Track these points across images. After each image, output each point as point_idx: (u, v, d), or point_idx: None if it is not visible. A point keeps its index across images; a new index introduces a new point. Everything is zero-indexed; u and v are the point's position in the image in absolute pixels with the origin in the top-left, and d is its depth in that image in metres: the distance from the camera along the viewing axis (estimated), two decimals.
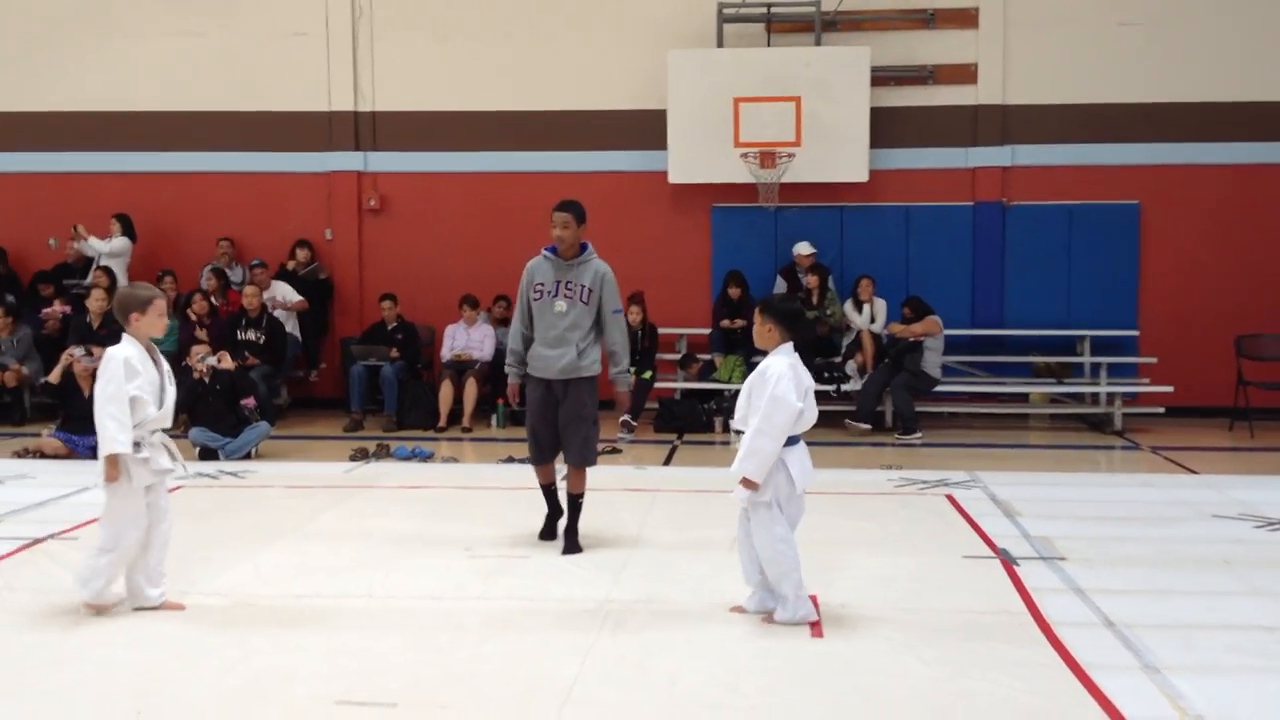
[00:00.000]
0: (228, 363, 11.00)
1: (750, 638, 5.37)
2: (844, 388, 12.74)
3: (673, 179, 13.70)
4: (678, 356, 13.71)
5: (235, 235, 14.36)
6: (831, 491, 8.84)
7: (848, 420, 12.35)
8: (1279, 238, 13.63)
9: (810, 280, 13.23)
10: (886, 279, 13.34)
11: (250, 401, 11.05)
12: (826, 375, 12.78)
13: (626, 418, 12.36)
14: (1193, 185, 13.61)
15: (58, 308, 13.50)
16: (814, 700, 4.64)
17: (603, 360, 7.10)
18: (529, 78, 14.24)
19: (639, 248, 13.89)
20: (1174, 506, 8.42)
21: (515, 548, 7.08)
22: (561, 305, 6.94)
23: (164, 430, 5.82)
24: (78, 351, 10.85)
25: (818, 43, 13.68)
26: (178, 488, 9.05)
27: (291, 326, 13.62)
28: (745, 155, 13.23)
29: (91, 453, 10.43)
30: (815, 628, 5.52)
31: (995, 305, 13.82)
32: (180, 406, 11.58)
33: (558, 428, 7.04)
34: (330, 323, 14.52)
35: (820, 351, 12.95)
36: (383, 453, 10.90)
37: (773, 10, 13.73)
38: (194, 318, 12.86)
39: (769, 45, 13.85)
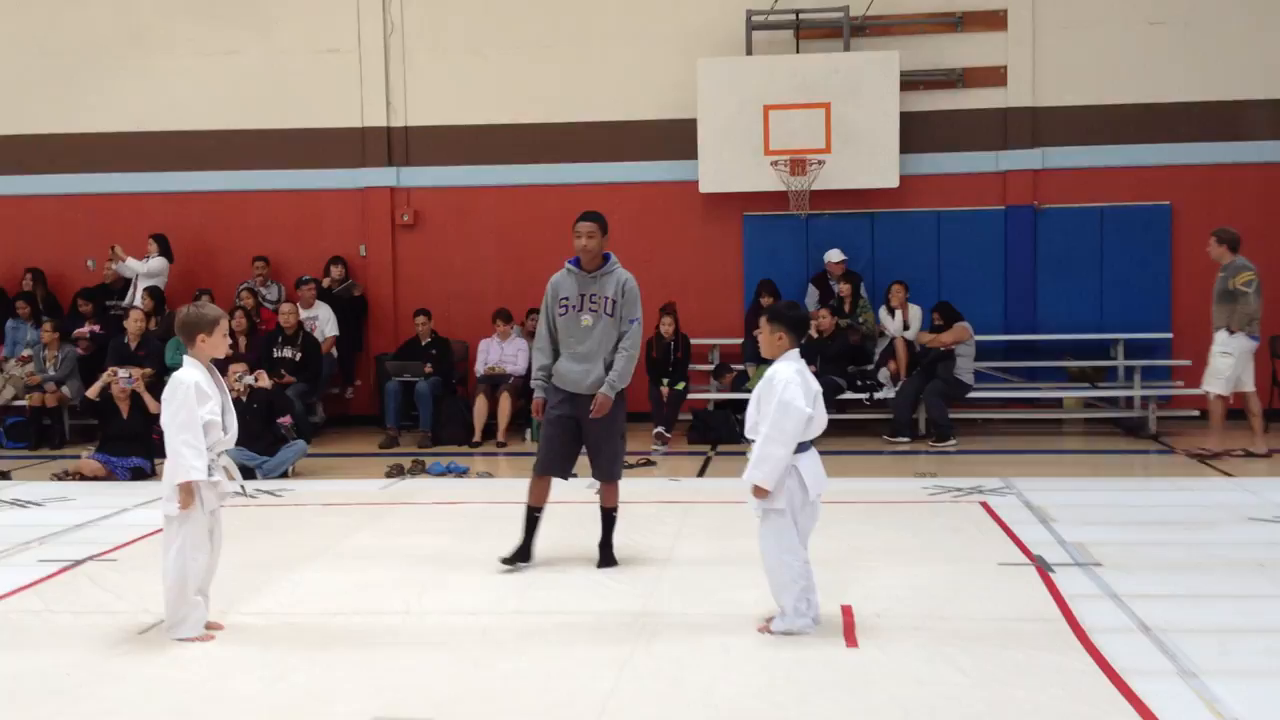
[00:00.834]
0: (265, 381, 11.08)
1: (784, 648, 5.38)
2: (877, 395, 12.70)
3: (704, 188, 13.71)
4: (711, 367, 13.72)
5: (270, 253, 14.48)
6: (865, 500, 8.84)
7: (885, 436, 12.32)
8: None
9: (842, 288, 13.22)
10: (918, 285, 13.29)
11: (287, 420, 11.14)
12: (859, 383, 12.75)
13: (660, 429, 12.40)
14: (1225, 185, 13.49)
15: (87, 328, 13.66)
16: (850, 710, 4.65)
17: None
18: (559, 90, 14.30)
19: (671, 258, 13.93)
20: (1210, 510, 8.36)
21: (551, 562, 7.10)
22: (588, 319, 6.92)
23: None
24: (122, 373, 10.94)
25: (846, 48, 13.67)
26: (214, 509, 9.15)
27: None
28: (775, 163, 13.23)
29: (130, 474, 10.61)
30: (850, 636, 5.52)
31: (1028, 310, 13.74)
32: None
33: (574, 442, 7.00)
34: (365, 339, 14.61)
35: (853, 359, 12.92)
36: (418, 469, 10.95)
37: (801, 16, 13.72)
38: (233, 337, 12.98)
39: (798, 52, 13.85)
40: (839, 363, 12.72)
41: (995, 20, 13.78)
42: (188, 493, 5.55)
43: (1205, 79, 13.52)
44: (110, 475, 10.61)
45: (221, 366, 12.06)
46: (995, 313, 13.65)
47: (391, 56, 14.56)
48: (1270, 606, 5.94)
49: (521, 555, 7.00)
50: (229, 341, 5.90)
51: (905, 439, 12.18)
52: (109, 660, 5.42)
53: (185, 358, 5.74)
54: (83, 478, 10.57)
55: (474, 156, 14.46)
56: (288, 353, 12.77)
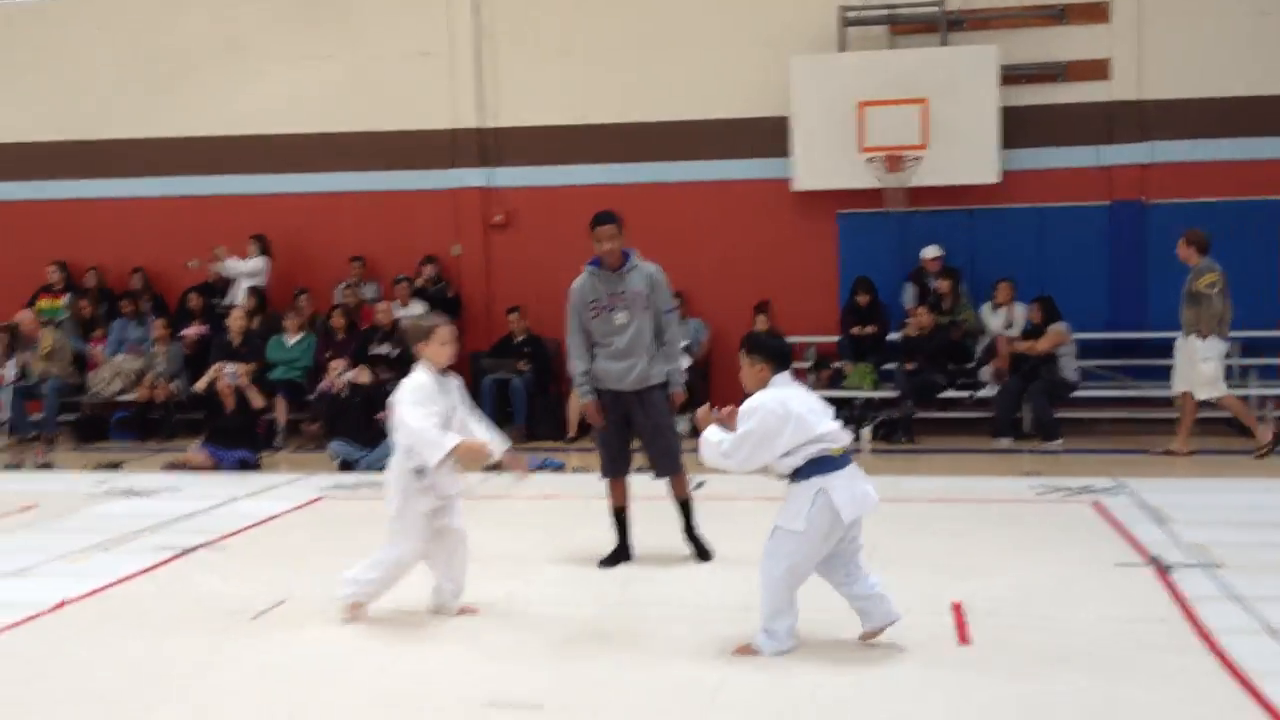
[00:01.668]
0: (365, 377, 11.21)
1: (894, 645, 5.27)
2: (978, 394, 12.49)
3: (797, 186, 13.59)
4: (807, 365, 13.61)
5: (365, 253, 14.63)
6: (972, 499, 8.73)
7: (989, 436, 12.11)
8: None
9: (941, 284, 13.02)
10: (1020, 281, 13.03)
11: (385, 415, 11.22)
12: (960, 382, 12.55)
13: None
14: None
15: (194, 329, 13.92)
16: (965, 709, 4.55)
17: None
18: (650, 89, 14.26)
19: (764, 256, 13.83)
20: None
21: (647, 556, 7.05)
22: (621, 317, 6.91)
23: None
24: (229, 369, 11.13)
25: (943, 43, 13.45)
26: (318, 499, 9.28)
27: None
28: (871, 160, 13.07)
29: (237, 465, 10.79)
30: (961, 634, 5.41)
31: (1137, 307, 13.40)
32: (319, 419, 11.97)
33: (629, 439, 7.00)
34: (459, 337, 14.67)
35: (953, 358, 12.72)
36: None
37: (896, 12, 13.55)
38: (332, 332, 13.18)
39: (892, 47, 13.67)
40: (938, 360, 12.53)
41: (1098, 12, 13.48)
42: (470, 453, 5.69)
43: None
44: (217, 466, 10.81)
45: (322, 363, 12.33)
46: (1099, 310, 13.34)
47: (483, 58, 14.63)
48: None
49: (620, 555, 7.01)
50: (450, 349, 5.90)
51: (1008, 439, 11.95)
52: (221, 645, 5.50)
53: (419, 363, 5.87)
54: (191, 469, 10.78)
55: (564, 156, 14.48)
56: (384, 349, 12.89)
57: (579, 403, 7.20)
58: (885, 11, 13.53)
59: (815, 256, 13.99)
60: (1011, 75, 13.30)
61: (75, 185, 15.25)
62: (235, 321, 13.00)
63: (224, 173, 14.98)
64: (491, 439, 5.94)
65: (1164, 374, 13.09)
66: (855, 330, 13.07)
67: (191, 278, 14.71)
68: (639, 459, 7.14)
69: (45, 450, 12.24)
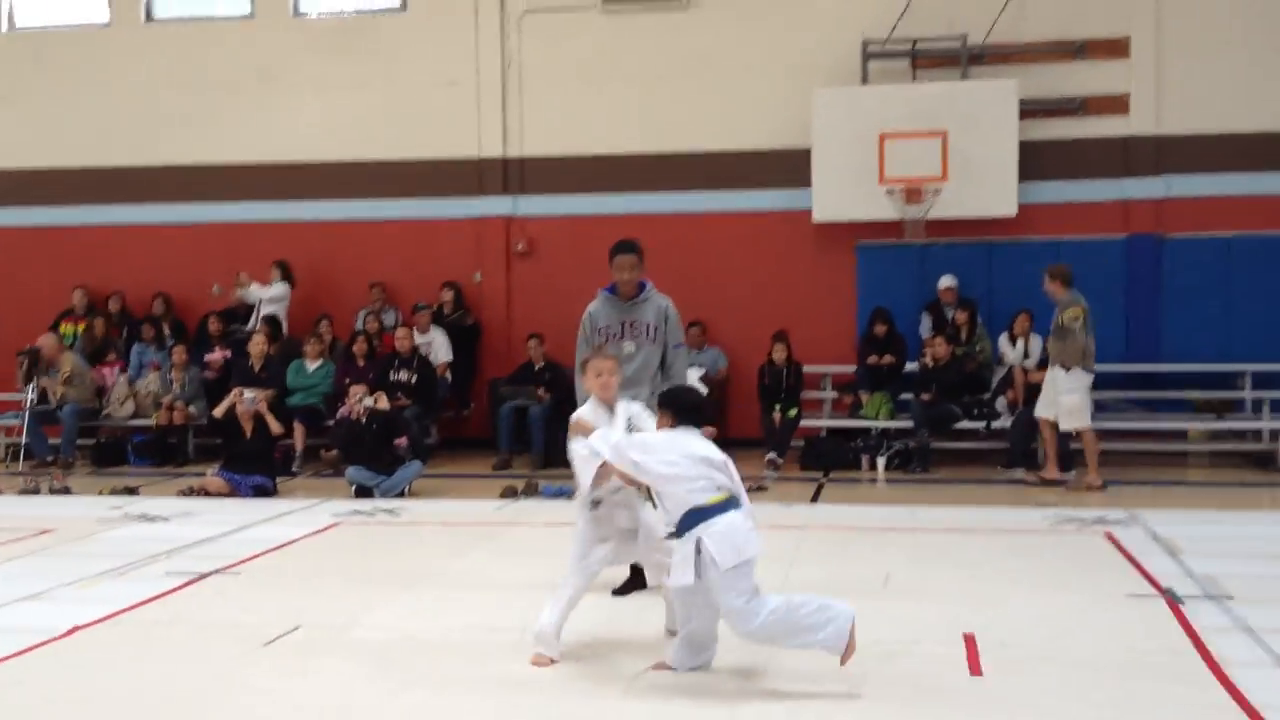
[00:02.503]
0: (384, 403, 11.28)
1: (907, 676, 5.27)
2: (993, 424, 12.50)
3: (818, 218, 13.65)
4: (824, 395, 13.64)
5: (387, 279, 14.74)
6: (986, 529, 8.72)
7: (1000, 466, 12.12)
8: None
9: (959, 316, 13.06)
10: (1037, 314, 13.02)
11: (403, 441, 11.31)
12: (975, 412, 12.56)
13: (773, 455, 12.36)
14: None
15: (219, 354, 14.04)
16: None
17: None
18: (672, 120, 14.37)
19: (783, 286, 13.90)
20: None
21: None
22: (630, 346, 6.97)
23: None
24: (248, 394, 11.21)
25: (964, 77, 13.54)
26: (332, 525, 9.33)
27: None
28: (890, 191, 13.12)
29: (253, 492, 10.85)
30: (974, 665, 5.41)
31: (1151, 340, 13.42)
32: (337, 445, 12.04)
33: None
34: (479, 364, 14.77)
35: (969, 388, 12.74)
36: (531, 491, 11.03)
37: (918, 46, 13.63)
38: (353, 358, 13.28)
39: (914, 80, 13.74)
40: (954, 391, 12.55)
41: (1118, 47, 13.54)
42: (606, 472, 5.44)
43: None
44: (234, 492, 10.85)
45: (342, 390, 12.40)
46: (1115, 343, 13.32)
47: (509, 88, 14.77)
48: None
49: (635, 584, 6.99)
50: (602, 380, 5.83)
51: (1021, 469, 11.94)
52: (235, 671, 5.52)
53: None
54: (207, 494, 10.83)
55: (587, 186, 14.58)
56: (403, 376, 12.98)
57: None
58: (907, 45, 13.61)
59: (834, 287, 14.05)
60: (1030, 109, 13.37)
61: (102, 211, 15.45)
62: (255, 347, 13.11)
63: (250, 199, 15.14)
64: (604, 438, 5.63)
65: (1178, 407, 13.10)
66: (872, 360, 13.10)
67: (212, 303, 14.85)
68: None
69: (63, 475, 12.34)
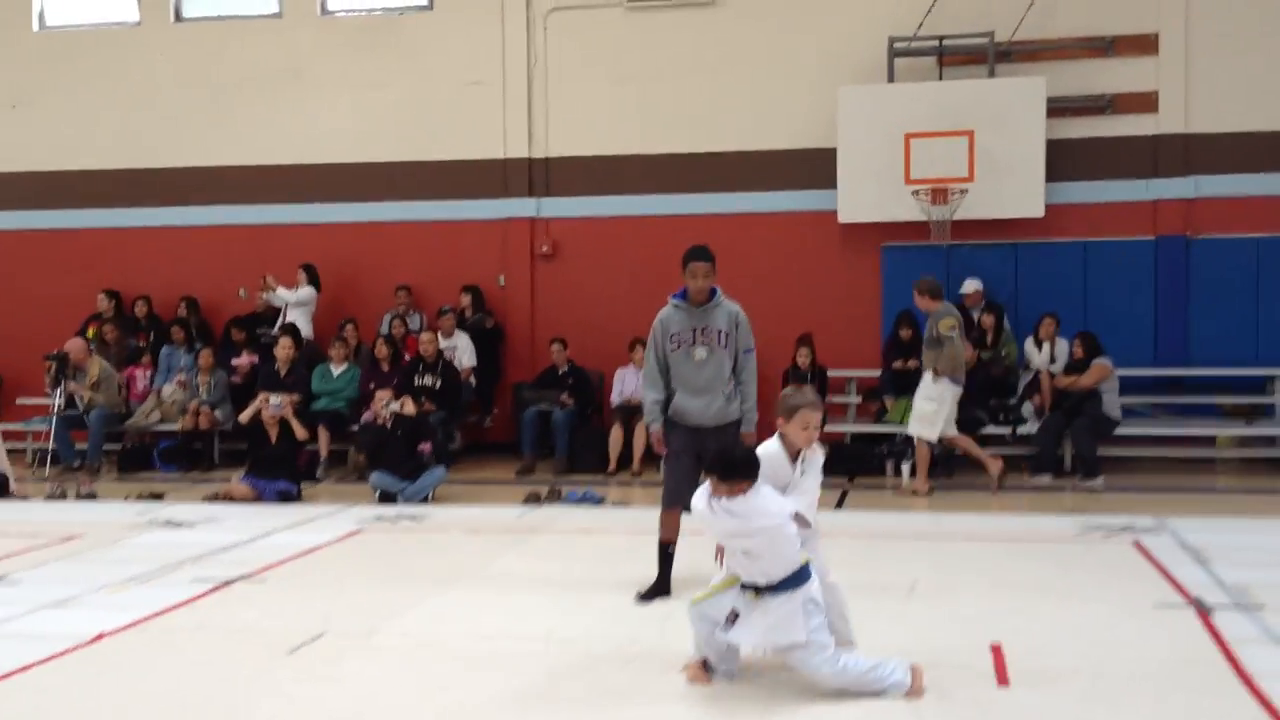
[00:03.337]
0: (410, 408, 11.28)
1: (934, 685, 5.21)
2: (1020, 430, 12.40)
3: (843, 219, 13.57)
4: (849, 400, 13.56)
5: (413, 282, 14.74)
6: (1012, 538, 8.64)
7: (1027, 473, 12.02)
8: None
9: (985, 320, 12.95)
10: (1064, 317, 12.93)
11: (426, 446, 11.30)
12: (1001, 417, 12.46)
13: None
14: None
15: (246, 359, 14.08)
16: None
17: None
18: (698, 121, 14.32)
19: (808, 288, 13.83)
20: None
21: (690, 592, 7.02)
22: (701, 353, 6.94)
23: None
24: (274, 399, 11.23)
25: (991, 74, 13.42)
26: (357, 531, 9.33)
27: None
28: (916, 192, 13.03)
29: (278, 497, 10.87)
30: (1001, 675, 5.36)
31: (1179, 343, 13.28)
32: (363, 450, 12.05)
33: (697, 474, 6.93)
34: (502, 368, 14.76)
35: (994, 392, 12.64)
36: (554, 496, 11.01)
37: (945, 43, 13.53)
38: (378, 362, 13.29)
39: (941, 79, 13.64)
40: (980, 396, 12.44)
41: (1147, 44, 13.41)
42: None
43: None
44: (258, 498, 10.88)
45: (366, 394, 12.42)
46: (1144, 346, 13.23)
47: (534, 89, 14.75)
48: None
49: (659, 589, 6.98)
50: (808, 434, 5.69)
51: (1048, 475, 11.84)
52: (261, 677, 5.53)
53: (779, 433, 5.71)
54: (232, 500, 10.86)
55: (613, 187, 14.54)
56: (428, 380, 12.97)
57: (648, 429, 7.19)
58: (934, 43, 13.52)
59: (859, 289, 13.97)
60: (1058, 107, 13.24)
61: (130, 214, 15.48)
62: (282, 351, 13.13)
63: (277, 201, 15.16)
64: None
65: (1207, 411, 12.95)
66: (897, 365, 13.00)
67: (237, 308, 14.88)
68: None
69: (89, 480, 12.39)
